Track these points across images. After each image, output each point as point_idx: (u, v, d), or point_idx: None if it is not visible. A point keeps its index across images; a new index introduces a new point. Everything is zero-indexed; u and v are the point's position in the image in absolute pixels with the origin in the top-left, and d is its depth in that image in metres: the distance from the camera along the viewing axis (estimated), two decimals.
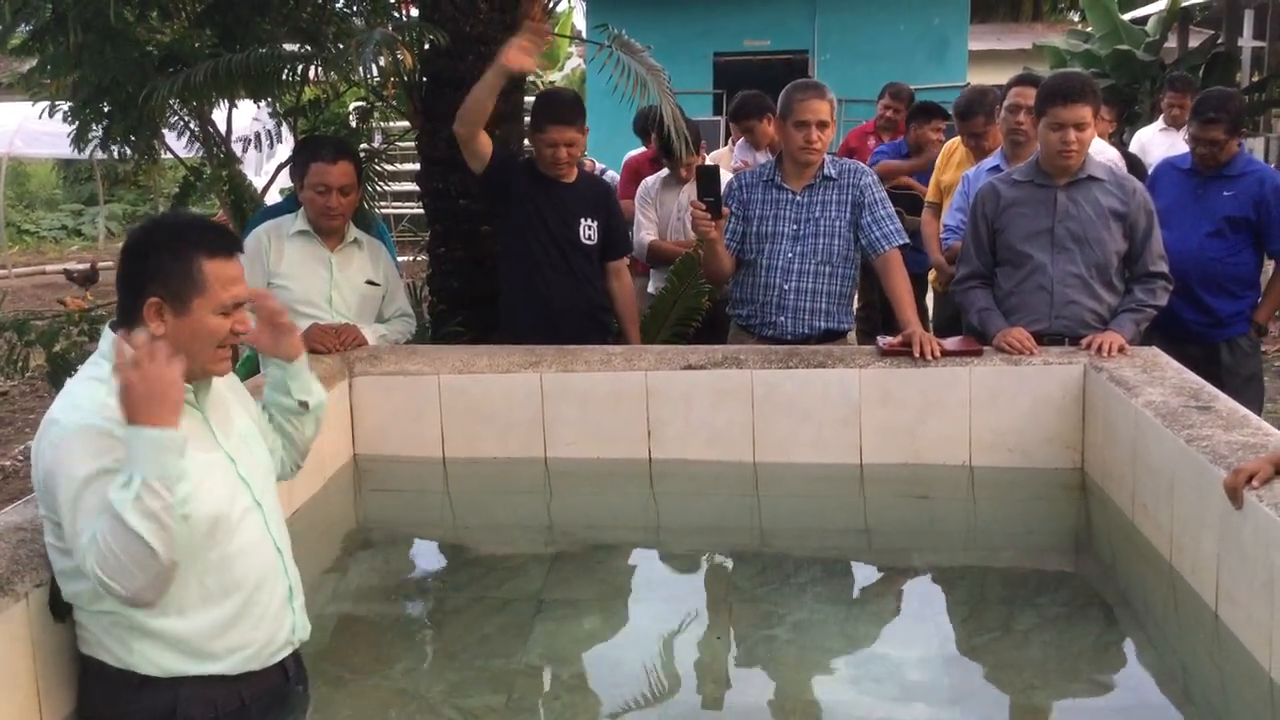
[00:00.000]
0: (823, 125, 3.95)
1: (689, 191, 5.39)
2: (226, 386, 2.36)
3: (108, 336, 2.15)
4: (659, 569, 3.40)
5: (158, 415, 1.93)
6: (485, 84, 3.93)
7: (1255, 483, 2.42)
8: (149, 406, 1.93)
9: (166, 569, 1.96)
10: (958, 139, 5.50)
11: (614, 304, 4.42)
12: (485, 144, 4.09)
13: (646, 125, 6.21)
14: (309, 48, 5.23)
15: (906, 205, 5.91)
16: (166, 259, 2.09)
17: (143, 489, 1.90)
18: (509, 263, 4.34)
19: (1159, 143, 7.36)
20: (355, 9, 5.79)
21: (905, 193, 6.06)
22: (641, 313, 4.77)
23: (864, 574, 3.36)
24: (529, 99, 4.75)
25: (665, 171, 5.53)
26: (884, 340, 3.85)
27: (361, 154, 5.55)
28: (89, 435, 1.99)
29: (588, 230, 4.27)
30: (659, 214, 5.45)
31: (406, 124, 5.45)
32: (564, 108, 4.19)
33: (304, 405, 2.52)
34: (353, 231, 4.05)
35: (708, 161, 5.50)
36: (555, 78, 20.67)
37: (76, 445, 1.99)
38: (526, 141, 4.86)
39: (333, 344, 3.85)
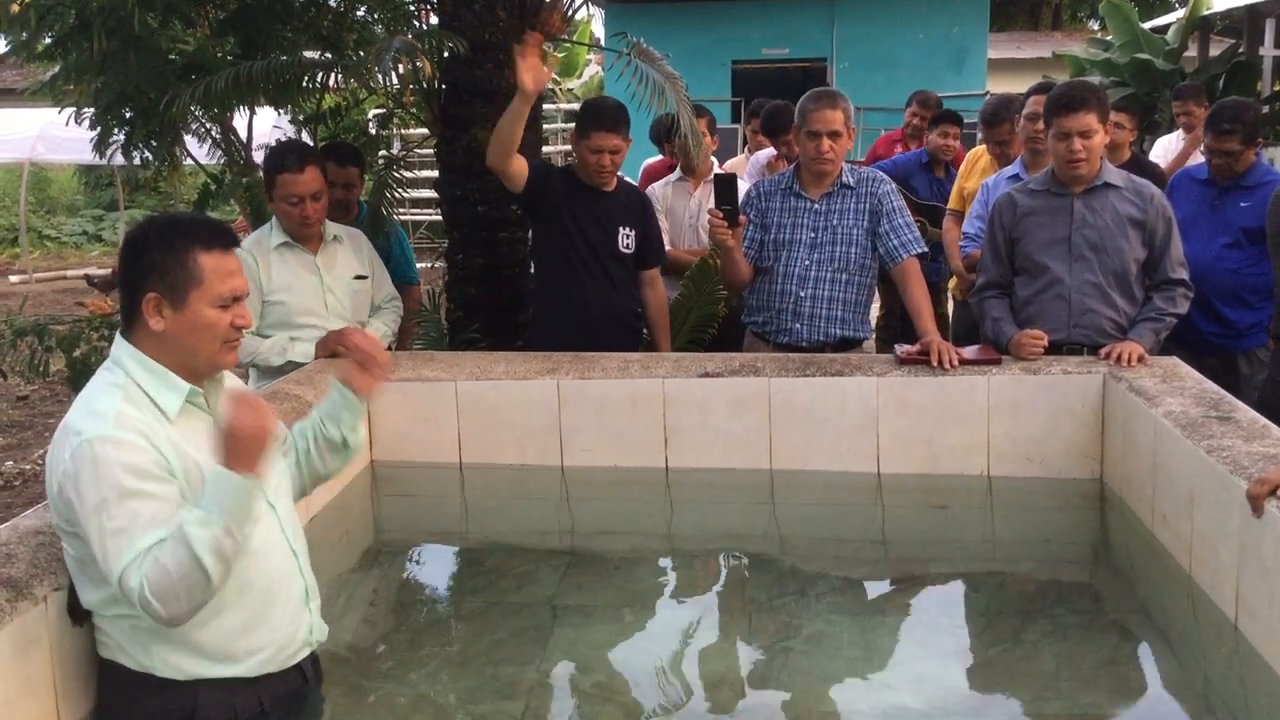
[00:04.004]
0: (834, 135, 3.94)
1: (700, 198, 5.39)
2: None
3: (120, 343, 2.16)
4: (675, 577, 3.39)
5: (250, 464, 2.01)
6: (512, 113, 3.89)
7: None
8: (245, 456, 2.00)
9: (209, 599, 2.02)
10: (982, 147, 5.48)
11: (647, 311, 4.42)
12: (521, 167, 4.06)
13: (662, 134, 6.21)
14: (329, 55, 5.26)
15: (928, 216, 5.91)
16: (162, 253, 2.11)
17: (222, 531, 1.97)
18: (545, 270, 4.33)
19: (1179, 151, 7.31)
20: (375, 17, 5.83)
21: (926, 204, 6.05)
22: None
23: (881, 584, 3.35)
24: (547, 106, 4.76)
25: (675, 176, 5.53)
26: (902, 349, 3.84)
27: (380, 160, 5.59)
28: (114, 449, 1.99)
29: (626, 239, 4.28)
30: (670, 221, 5.44)
31: (425, 131, 5.48)
32: (609, 115, 4.17)
33: (345, 444, 2.51)
34: (331, 229, 4.03)
35: (723, 169, 5.50)
36: (573, 85, 20.74)
37: (100, 459, 1.98)
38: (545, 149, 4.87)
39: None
